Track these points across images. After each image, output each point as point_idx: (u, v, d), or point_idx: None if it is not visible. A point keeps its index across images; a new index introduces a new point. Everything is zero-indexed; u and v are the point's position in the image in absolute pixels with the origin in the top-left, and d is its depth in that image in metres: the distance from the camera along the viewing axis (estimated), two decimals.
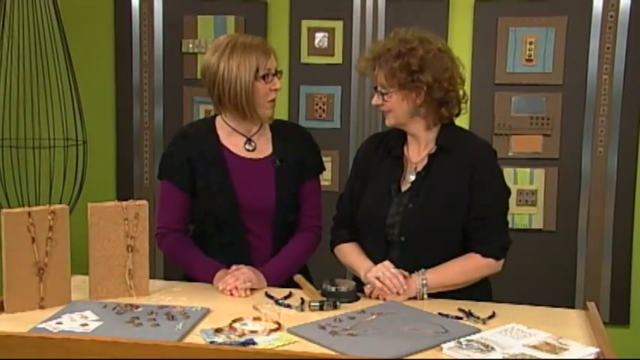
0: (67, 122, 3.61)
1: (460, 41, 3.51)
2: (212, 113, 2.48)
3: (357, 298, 2.18)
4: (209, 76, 2.33)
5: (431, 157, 2.27)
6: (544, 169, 3.63)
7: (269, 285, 2.31)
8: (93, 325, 1.92)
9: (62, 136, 3.65)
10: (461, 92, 2.28)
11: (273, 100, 2.35)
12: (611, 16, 3.50)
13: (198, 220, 2.44)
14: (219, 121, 2.43)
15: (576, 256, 3.65)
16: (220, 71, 2.30)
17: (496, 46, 3.60)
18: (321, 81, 3.74)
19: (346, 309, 2.08)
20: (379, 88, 2.26)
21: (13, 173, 3.56)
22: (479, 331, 1.91)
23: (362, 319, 1.98)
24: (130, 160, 3.93)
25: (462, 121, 2.38)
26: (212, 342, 1.81)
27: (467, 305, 2.10)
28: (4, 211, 2.02)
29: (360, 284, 2.23)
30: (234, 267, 2.31)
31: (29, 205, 2.42)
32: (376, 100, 2.27)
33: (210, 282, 2.31)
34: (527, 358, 1.73)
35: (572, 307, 2.62)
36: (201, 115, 3.75)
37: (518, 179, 3.62)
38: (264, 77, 2.30)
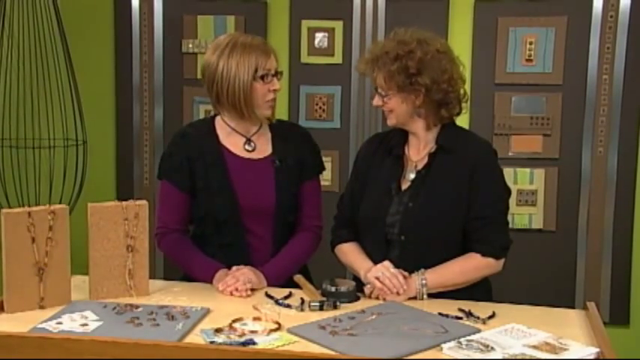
0: (67, 122, 3.61)
1: (460, 41, 3.51)
2: (212, 113, 2.48)
3: (357, 298, 2.18)
4: (208, 75, 2.33)
5: (431, 156, 2.27)
6: (544, 169, 3.63)
7: (269, 285, 2.31)
8: (93, 325, 1.92)
9: (62, 136, 3.65)
10: (461, 92, 2.28)
11: (271, 101, 2.35)
12: (611, 16, 3.50)
13: (198, 220, 2.44)
14: (218, 122, 2.43)
15: (576, 256, 3.65)
16: (219, 70, 2.30)
17: (496, 46, 3.60)
18: (321, 81, 3.74)
19: (346, 309, 2.08)
20: (379, 90, 2.26)
21: (13, 173, 3.56)
22: (479, 331, 1.91)
23: (362, 319, 1.98)
24: (130, 160, 3.93)
25: (462, 121, 2.38)
26: (212, 342, 1.81)
27: (467, 305, 2.10)
28: (4, 211, 2.02)
29: (360, 284, 2.23)
30: (234, 268, 2.31)
31: (29, 205, 2.42)
32: (377, 101, 2.28)
33: (210, 282, 2.30)
34: (527, 358, 1.73)
35: (572, 307, 2.62)
36: (201, 115, 3.75)
37: (518, 179, 3.62)
38: (262, 77, 2.30)
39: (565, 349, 1.77)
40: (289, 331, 1.90)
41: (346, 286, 2.18)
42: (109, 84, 3.91)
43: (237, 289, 2.21)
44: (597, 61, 3.53)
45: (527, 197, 3.63)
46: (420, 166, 2.29)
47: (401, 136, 2.34)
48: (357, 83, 3.70)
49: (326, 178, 3.63)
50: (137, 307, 2.06)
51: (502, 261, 2.26)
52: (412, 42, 2.21)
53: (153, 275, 2.34)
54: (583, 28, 3.53)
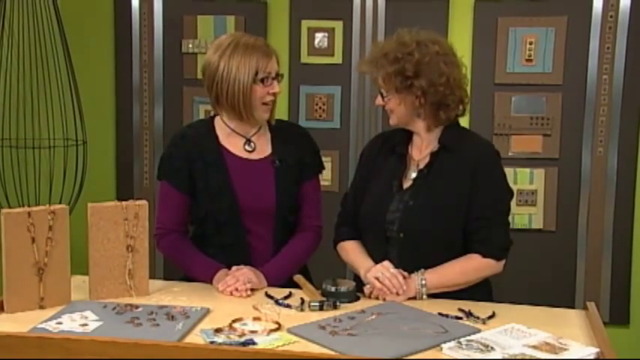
0: (67, 122, 3.61)
1: (460, 41, 3.50)
2: (211, 113, 2.48)
3: (357, 298, 2.18)
4: (208, 75, 2.33)
5: (433, 155, 2.27)
6: (544, 169, 3.63)
7: (269, 285, 2.31)
8: (93, 325, 1.92)
9: (62, 136, 3.65)
10: (462, 94, 2.27)
11: (270, 103, 2.34)
12: (611, 16, 3.50)
13: (198, 221, 2.44)
14: (218, 122, 2.43)
15: (576, 256, 3.65)
16: (220, 71, 2.29)
17: (496, 46, 3.60)
18: (321, 81, 3.74)
19: (346, 309, 2.08)
20: (380, 90, 2.27)
21: (13, 173, 3.56)
22: (479, 331, 1.91)
23: (362, 319, 1.98)
24: (130, 160, 3.93)
25: (462, 121, 2.37)
26: (212, 342, 1.81)
27: (467, 305, 2.10)
28: (4, 211, 2.02)
29: (360, 284, 2.23)
30: (234, 268, 2.30)
31: (29, 205, 2.42)
32: (379, 100, 2.29)
33: (210, 282, 2.30)
34: (527, 358, 1.73)
35: (572, 307, 2.62)
36: (201, 115, 3.75)
37: (518, 179, 3.62)
38: (262, 80, 2.30)
39: (565, 349, 1.77)
40: (289, 331, 1.90)
41: (346, 286, 2.18)
42: (109, 84, 3.91)
43: (237, 289, 2.21)
44: (597, 61, 3.53)
45: (527, 197, 3.63)
46: (422, 165, 2.29)
47: (404, 135, 2.34)
48: (357, 83, 3.70)
49: (326, 178, 3.63)
50: (137, 307, 2.05)
51: (502, 262, 2.26)
52: (411, 44, 2.21)
53: (153, 275, 2.33)
54: (583, 28, 3.53)
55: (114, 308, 2.05)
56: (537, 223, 3.65)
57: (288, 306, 2.10)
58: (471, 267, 2.23)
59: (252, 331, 1.88)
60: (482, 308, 2.08)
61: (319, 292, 2.20)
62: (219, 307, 2.09)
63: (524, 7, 3.57)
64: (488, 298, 2.30)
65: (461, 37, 3.56)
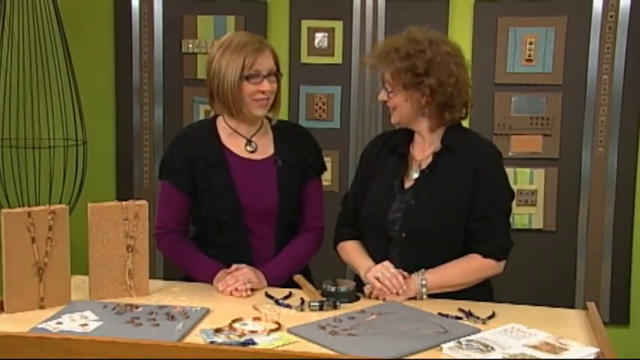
0: (67, 122, 3.61)
1: (460, 41, 3.44)
2: (211, 114, 2.48)
3: (357, 298, 2.18)
4: (206, 71, 2.36)
5: (436, 155, 2.27)
6: (544, 169, 3.63)
7: (269, 285, 2.30)
8: (93, 325, 1.92)
9: (62, 136, 3.65)
10: (467, 97, 2.26)
11: (262, 100, 2.32)
12: (611, 16, 3.50)
13: (199, 221, 2.44)
14: (220, 122, 2.43)
15: (576, 256, 3.65)
16: (213, 67, 2.32)
17: (496, 46, 3.60)
18: (321, 81, 3.74)
19: (346, 309, 2.08)
20: (385, 85, 2.26)
21: (13, 173, 3.56)
22: (479, 331, 1.91)
23: (362, 319, 1.98)
24: (130, 160, 3.93)
25: (462, 121, 2.38)
26: (212, 342, 1.81)
27: (467, 305, 2.10)
28: (4, 211, 2.02)
29: (360, 284, 2.22)
30: (234, 266, 2.30)
31: (29, 205, 2.42)
32: (382, 95, 2.28)
33: (211, 282, 2.30)
34: (527, 358, 1.73)
35: (572, 307, 2.62)
36: (202, 115, 3.75)
37: (518, 179, 3.62)
38: (248, 77, 2.29)
39: (565, 349, 1.77)
40: (289, 331, 1.90)
41: (346, 286, 2.18)
42: (109, 84, 3.91)
43: (236, 289, 2.21)
44: (597, 61, 3.53)
45: (527, 197, 3.63)
46: (424, 166, 2.28)
47: (406, 135, 2.34)
48: (357, 83, 3.70)
49: (326, 178, 3.61)
50: (137, 307, 2.05)
51: (503, 263, 2.26)
52: (424, 41, 2.21)
53: (153, 275, 2.33)
54: (583, 28, 3.53)
55: (114, 308, 2.05)
56: (537, 223, 3.65)
57: (288, 306, 2.10)
58: (472, 267, 2.22)
59: (252, 331, 1.88)
60: (482, 308, 2.08)
61: (319, 292, 2.20)
62: (219, 307, 2.09)
63: (524, 7, 3.57)
64: (489, 298, 2.30)
65: (461, 37, 3.56)
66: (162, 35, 3.82)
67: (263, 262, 2.36)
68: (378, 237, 2.29)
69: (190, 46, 3.79)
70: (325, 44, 3.72)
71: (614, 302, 3.64)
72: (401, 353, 1.76)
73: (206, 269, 2.34)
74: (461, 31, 3.58)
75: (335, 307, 2.08)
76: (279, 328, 1.91)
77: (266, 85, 2.31)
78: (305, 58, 3.74)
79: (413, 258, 2.21)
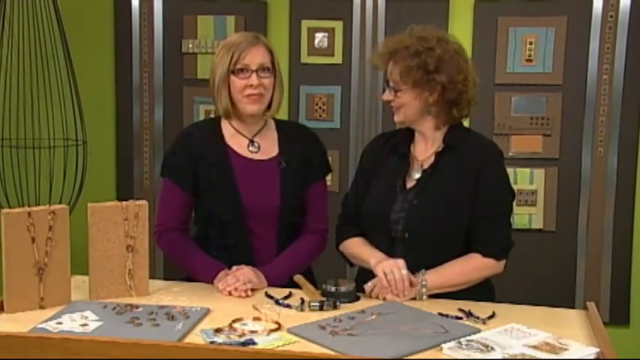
0: (67, 122, 3.61)
1: (460, 41, 3.50)
2: (211, 114, 2.48)
3: (357, 298, 2.17)
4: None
5: (438, 155, 2.27)
6: (544, 169, 3.63)
7: (269, 286, 2.30)
8: (93, 325, 1.92)
9: (62, 136, 3.65)
10: (471, 94, 2.27)
11: (253, 96, 2.31)
12: (611, 16, 3.50)
13: (201, 221, 2.44)
14: (224, 122, 2.42)
15: (576, 256, 3.65)
16: (210, 67, 2.36)
17: (496, 46, 3.60)
18: (321, 81, 3.74)
19: (346, 309, 2.08)
20: (392, 84, 2.25)
21: (13, 173, 3.56)
22: (479, 331, 1.91)
23: (362, 319, 1.98)
24: (130, 160, 3.93)
25: (462, 120, 2.38)
26: (212, 342, 1.81)
27: (467, 305, 2.10)
28: (4, 211, 2.02)
29: (360, 284, 2.22)
30: (234, 267, 2.30)
31: (29, 205, 2.41)
32: (387, 95, 2.26)
33: (211, 282, 2.30)
34: (527, 358, 1.73)
35: (572, 307, 2.62)
36: (202, 115, 3.75)
37: (518, 179, 3.62)
38: (234, 72, 2.30)
39: (565, 349, 1.77)
40: (289, 331, 1.90)
41: (346, 286, 2.18)
42: (109, 84, 3.91)
43: (236, 289, 2.21)
44: (597, 61, 3.53)
45: (527, 197, 3.63)
46: (426, 165, 2.28)
47: (406, 135, 2.34)
48: (357, 83, 3.70)
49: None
50: (137, 307, 2.05)
51: (503, 262, 2.26)
52: (432, 39, 2.21)
53: (153, 275, 2.33)
54: (583, 28, 3.53)
55: (114, 308, 2.04)
56: (537, 223, 3.65)
57: (288, 306, 2.10)
58: (471, 267, 2.22)
59: (252, 331, 1.88)
60: (482, 308, 2.08)
61: (319, 292, 2.20)
62: (219, 307, 2.08)
63: (524, 7, 3.57)
64: (491, 298, 2.30)
65: (461, 37, 3.51)
66: (163, 35, 3.82)
67: (264, 263, 2.35)
68: (381, 237, 2.28)
69: (190, 46, 3.79)
70: (325, 44, 3.72)
71: (614, 302, 3.64)
72: (401, 353, 1.76)
73: (207, 269, 2.33)
74: (461, 31, 3.58)
75: (335, 307, 2.08)
76: (279, 328, 1.91)
77: (254, 79, 2.30)
78: (305, 58, 3.74)
79: (416, 258, 2.20)
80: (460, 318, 2.02)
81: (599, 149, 3.59)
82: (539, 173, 3.64)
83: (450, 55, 2.21)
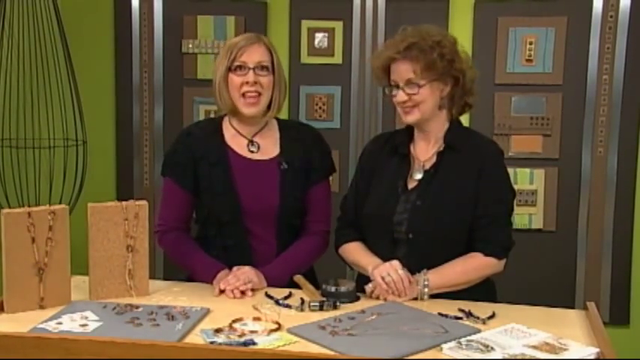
0: (67, 122, 3.61)
1: (460, 41, 3.48)
2: (211, 114, 2.48)
3: (357, 299, 2.17)
4: None
5: (439, 155, 2.27)
6: (544, 169, 3.63)
7: (269, 286, 2.30)
8: (93, 326, 1.92)
9: (62, 136, 3.65)
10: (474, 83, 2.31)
11: (249, 97, 2.30)
12: (611, 16, 3.50)
13: (201, 221, 2.43)
14: (225, 122, 2.43)
15: (576, 256, 3.65)
16: (214, 67, 2.37)
17: (496, 46, 3.60)
18: (321, 81, 3.74)
19: (346, 309, 2.08)
20: (406, 83, 2.21)
21: (13, 173, 3.56)
22: (479, 331, 1.91)
23: (362, 319, 1.98)
24: (130, 160, 3.93)
25: (462, 121, 2.38)
26: (212, 342, 1.81)
27: (467, 305, 2.10)
28: (4, 211, 2.02)
29: (360, 284, 2.22)
30: (235, 268, 2.30)
31: (29, 205, 2.42)
32: (402, 96, 2.22)
33: (211, 282, 2.29)
34: (527, 358, 1.73)
35: (572, 307, 2.62)
36: (202, 115, 3.75)
37: (518, 179, 3.62)
38: (230, 69, 2.31)
39: (565, 349, 1.77)
40: (289, 331, 1.89)
41: (346, 286, 2.18)
42: (109, 84, 3.91)
43: (236, 288, 2.20)
44: (597, 61, 3.53)
45: (527, 197, 3.63)
46: (427, 166, 2.28)
47: (406, 135, 2.34)
48: (357, 83, 3.70)
49: None
50: (137, 307, 2.05)
51: (503, 261, 2.26)
52: (437, 34, 2.24)
53: (153, 275, 2.34)
54: (583, 28, 3.53)
55: (114, 308, 2.04)
56: (537, 223, 3.65)
57: (288, 306, 2.10)
58: (472, 266, 2.22)
59: (252, 331, 1.87)
60: (482, 308, 2.08)
61: (319, 292, 2.20)
62: (219, 307, 2.08)
63: (524, 7, 3.57)
64: (493, 297, 2.29)
65: (461, 37, 3.51)
66: (163, 35, 3.82)
67: (263, 264, 2.34)
68: (384, 238, 2.28)
69: (190, 46, 3.79)
70: (325, 44, 3.72)
71: (614, 302, 3.64)
72: (401, 353, 1.76)
73: (207, 268, 2.33)
74: (461, 31, 3.58)
75: (335, 307, 2.08)
76: (279, 328, 1.91)
77: (250, 77, 2.30)
78: (305, 59, 3.74)
79: (419, 258, 2.20)
80: (460, 318, 2.02)
81: (599, 149, 3.59)
82: (539, 173, 3.64)
83: (455, 47, 2.25)
